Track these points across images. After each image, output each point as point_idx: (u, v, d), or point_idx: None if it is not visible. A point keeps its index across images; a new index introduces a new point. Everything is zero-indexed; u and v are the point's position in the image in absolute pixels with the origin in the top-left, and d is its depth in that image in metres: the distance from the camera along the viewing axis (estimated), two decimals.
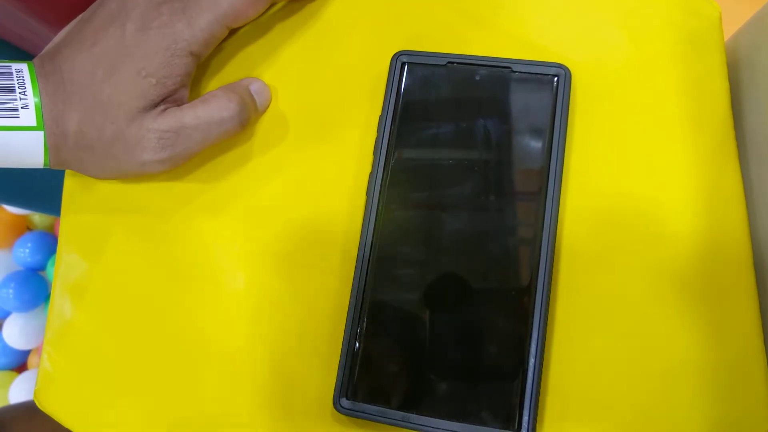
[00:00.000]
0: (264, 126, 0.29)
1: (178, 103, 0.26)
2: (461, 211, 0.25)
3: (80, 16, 0.27)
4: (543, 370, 0.24)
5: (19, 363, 0.96)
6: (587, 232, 0.26)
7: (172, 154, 0.25)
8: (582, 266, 0.25)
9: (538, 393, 0.23)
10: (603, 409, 0.24)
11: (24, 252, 0.92)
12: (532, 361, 0.23)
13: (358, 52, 0.29)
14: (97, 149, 0.25)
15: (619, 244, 0.25)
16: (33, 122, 0.24)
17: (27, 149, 0.24)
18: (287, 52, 0.29)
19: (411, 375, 0.24)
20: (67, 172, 0.29)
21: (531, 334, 0.23)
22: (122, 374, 0.27)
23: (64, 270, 0.28)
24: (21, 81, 0.24)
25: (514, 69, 0.27)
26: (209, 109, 0.25)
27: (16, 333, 0.90)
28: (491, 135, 0.26)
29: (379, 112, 0.27)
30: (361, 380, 0.24)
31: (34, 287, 0.90)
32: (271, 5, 0.28)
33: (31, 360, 0.94)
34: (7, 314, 0.93)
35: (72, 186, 0.29)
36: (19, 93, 0.24)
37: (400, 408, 0.24)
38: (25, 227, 0.98)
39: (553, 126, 0.26)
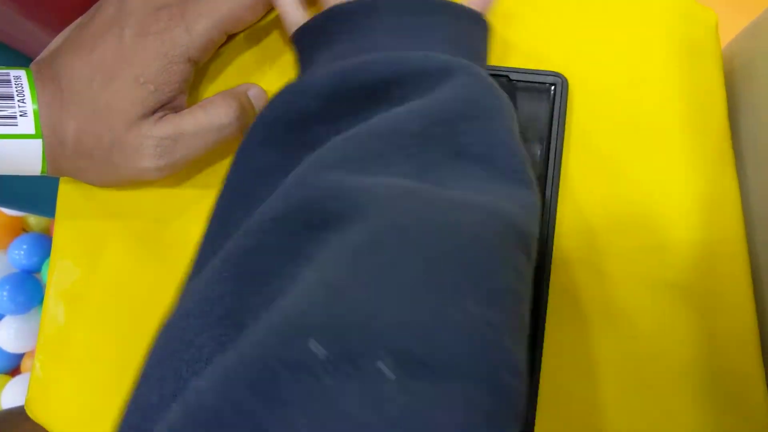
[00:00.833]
0: None
1: (177, 110, 0.26)
2: None
3: (78, 20, 0.27)
4: (539, 378, 0.23)
5: (13, 366, 0.95)
6: (585, 239, 0.26)
7: (170, 160, 0.25)
8: (579, 273, 0.25)
9: (535, 402, 0.23)
10: (599, 418, 0.24)
11: (19, 254, 0.91)
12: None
13: None
14: (95, 157, 0.25)
15: (616, 252, 0.25)
16: (32, 130, 0.24)
17: (25, 157, 0.24)
18: (285, 57, 0.29)
19: None
20: (62, 177, 0.29)
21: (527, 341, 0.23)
22: (115, 383, 0.26)
23: (57, 276, 0.28)
24: (20, 88, 0.24)
25: (512, 78, 0.27)
26: (208, 116, 0.25)
27: (10, 336, 0.89)
28: None
29: None
30: None
31: (29, 290, 0.89)
32: (269, 10, 0.28)
33: (25, 363, 0.94)
34: (0, 317, 0.92)
35: (67, 191, 0.29)
36: (18, 100, 0.23)
37: None
38: (20, 229, 0.97)
39: (551, 134, 0.26)
